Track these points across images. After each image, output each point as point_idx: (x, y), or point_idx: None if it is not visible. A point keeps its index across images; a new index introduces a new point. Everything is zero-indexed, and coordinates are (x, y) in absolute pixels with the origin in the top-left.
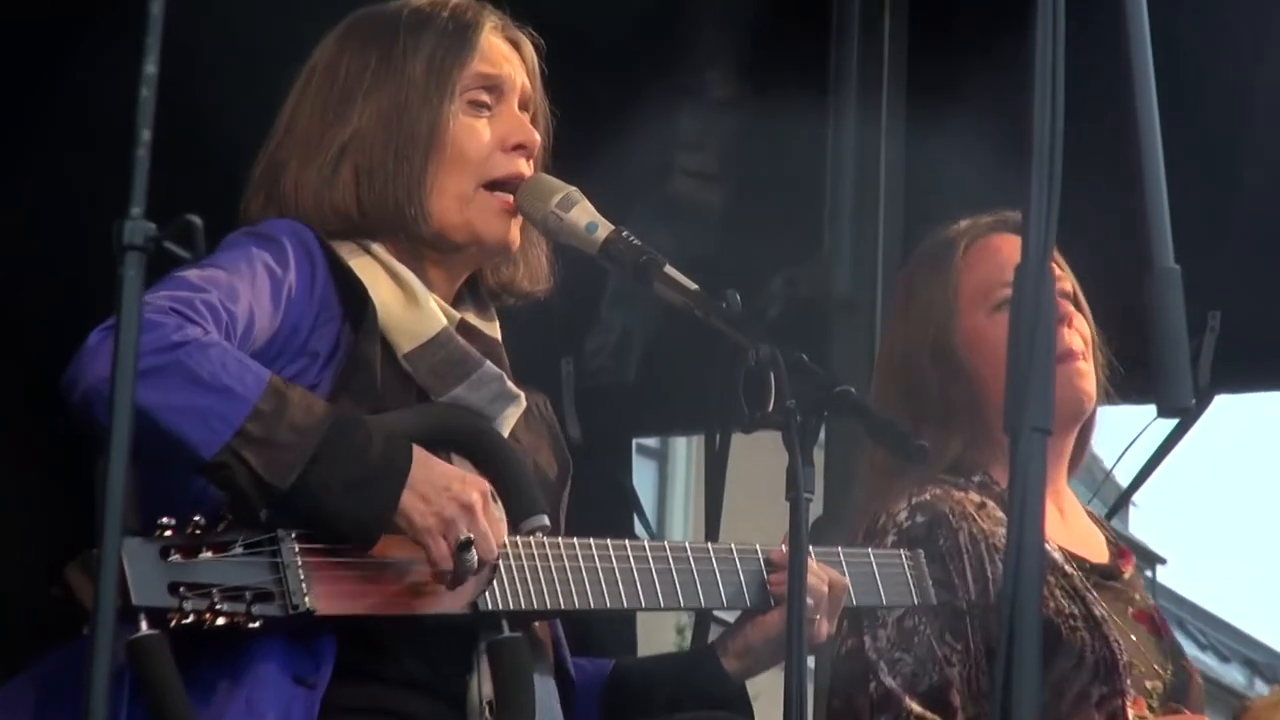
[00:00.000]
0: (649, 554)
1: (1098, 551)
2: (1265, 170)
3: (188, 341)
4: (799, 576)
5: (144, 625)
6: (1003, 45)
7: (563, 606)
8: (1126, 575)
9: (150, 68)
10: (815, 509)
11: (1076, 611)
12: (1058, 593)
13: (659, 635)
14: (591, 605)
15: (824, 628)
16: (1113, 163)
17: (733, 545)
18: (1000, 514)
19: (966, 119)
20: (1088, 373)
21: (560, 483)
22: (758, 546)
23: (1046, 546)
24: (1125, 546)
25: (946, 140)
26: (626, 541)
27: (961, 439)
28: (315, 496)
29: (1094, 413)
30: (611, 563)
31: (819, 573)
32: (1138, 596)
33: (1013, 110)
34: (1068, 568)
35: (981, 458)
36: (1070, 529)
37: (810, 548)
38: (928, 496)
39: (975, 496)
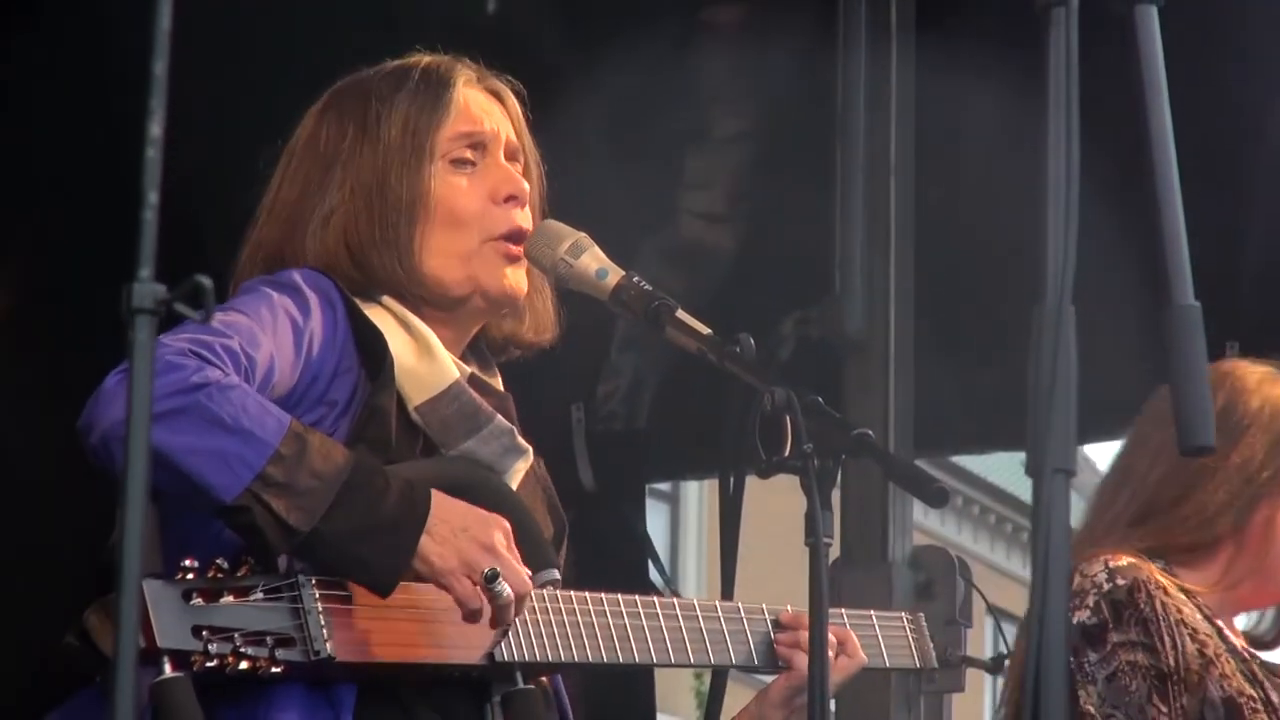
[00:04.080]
0: (659, 610)
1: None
2: (1277, 196)
3: (208, 383)
4: (820, 622)
5: (168, 668)
6: (1011, 80)
7: (576, 659)
8: None
9: (155, 129)
10: (832, 552)
11: (1257, 695)
12: (1238, 675)
13: (677, 698)
14: (605, 659)
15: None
16: (1126, 192)
17: (739, 604)
18: (1181, 595)
19: (980, 151)
20: None
21: (556, 543)
22: (764, 606)
23: (1226, 633)
24: None
25: (958, 171)
26: (638, 597)
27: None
28: (334, 542)
29: None
30: (624, 618)
31: (833, 642)
32: None
33: (1029, 142)
34: (1245, 654)
35: (1178, 556)
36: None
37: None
38: (1124, 562)
39: (1160, 577)
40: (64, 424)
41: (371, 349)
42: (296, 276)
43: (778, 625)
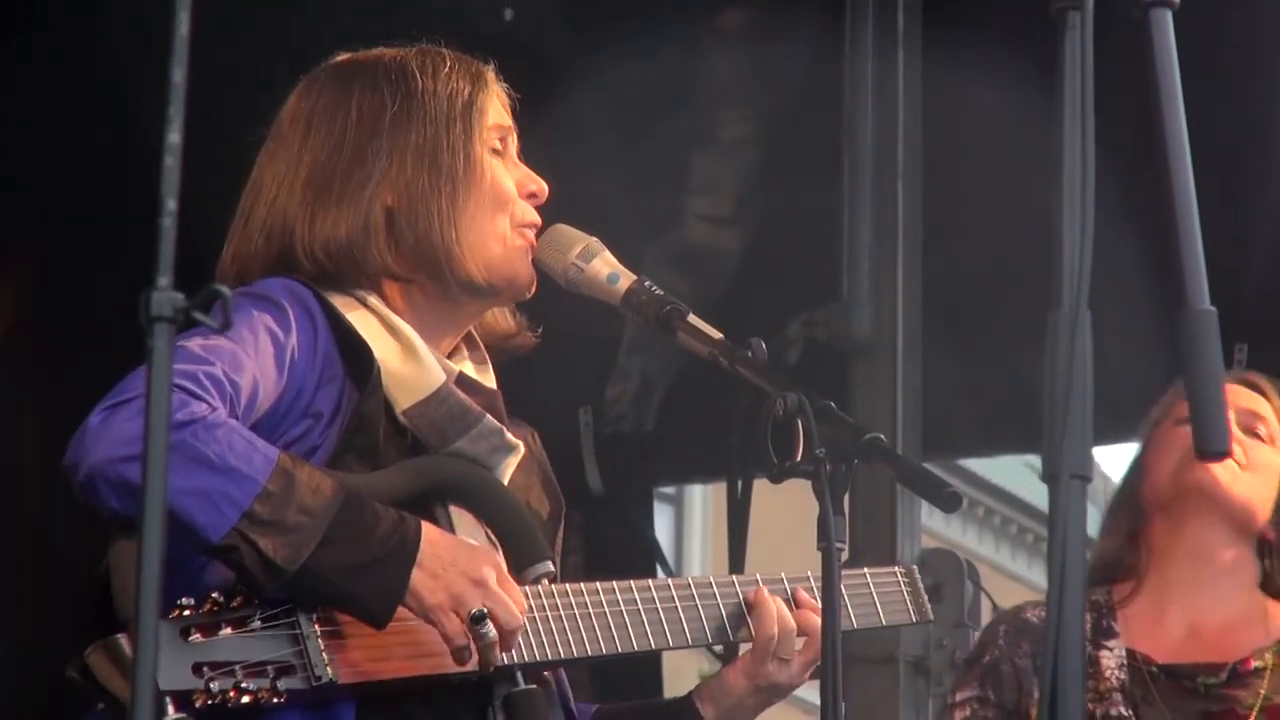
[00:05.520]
0: (654, 593)
1: (1204, 654)
2: None
3: (194, 420)
4: (832, 625)
5: (171, 710)
6: (1018, 81)
7: (575, 654)
8: (1228, 677)
9: (174, 137)
10: (842, 555)
11: (1097, 714)
12: (1099, 695)
13: (683, 680)
14: (604, 651)
15: (796, 669)
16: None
17: (734, 578)
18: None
19: (987, 154)
20: (1228, 466)
21: (554, 522)
22: (734, 579)
23: (1111, 649)
24: None
25: (966, 174)
26: (632, 582)
27: (1116, 540)
28: (324, 579)
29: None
30: (619, 605)
31: (794, 613)
32: (1244, 695)
33: (1038, 144)
34: (1114, 672)
35: (1134, 559)
36: (1179, 633)
37: (809, 573)
38: (995, 617)
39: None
40: (66, 438)
41: (356, 356)
42: (272, 288)
43: (748, 605)
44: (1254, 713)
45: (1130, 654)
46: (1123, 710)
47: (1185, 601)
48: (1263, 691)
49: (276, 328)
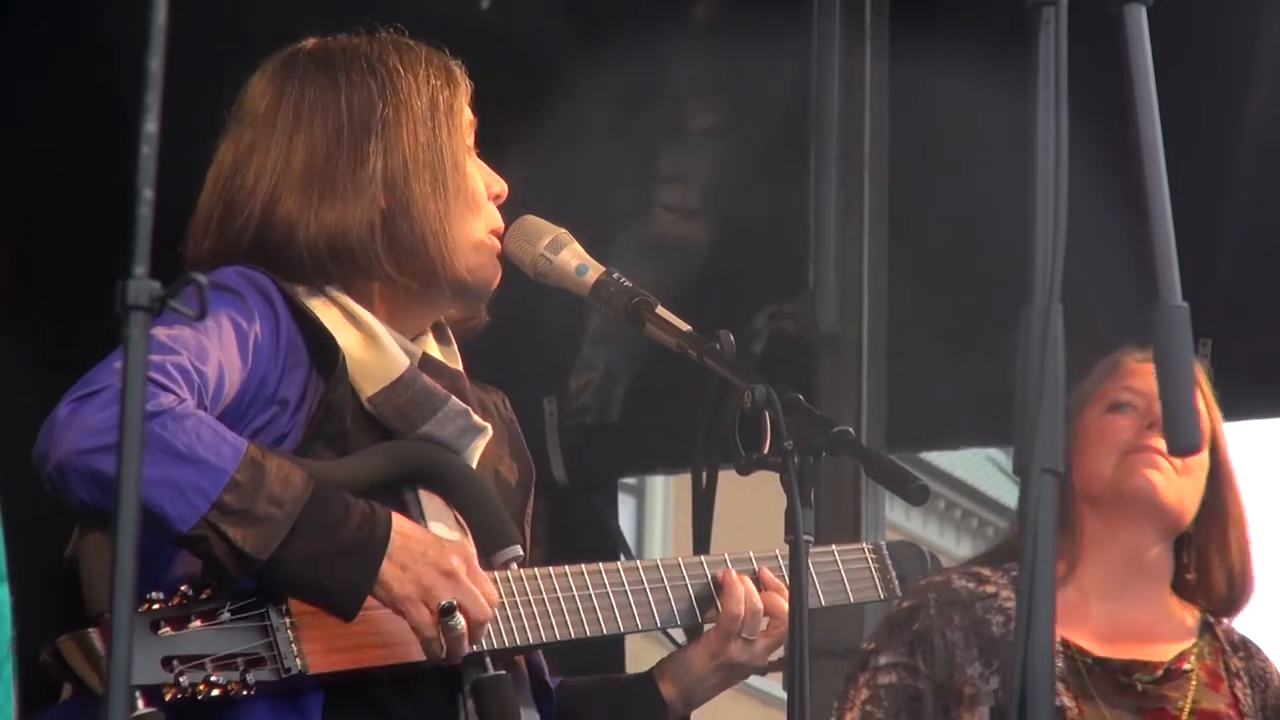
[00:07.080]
0: (623, 576)
1: (1134, 651)
2: (1253, 195)
3: (162, 411)
4: (800, 619)
5: (140, 704)
6: (987, 73)
7: (545, 639)
8: (1163, 675)
9: (150, 126)
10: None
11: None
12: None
13: (644, 658)
14: (572, 635)
15: (759, 650)
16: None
17: (703, 558)
18: (1010, 603)
19: (954, 147)
20: (1165, 470)
21: (523, 490)
22: (703, 559)
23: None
24: (1219, 656)
25: (932, 168)
26: (601, 565)
27: None
28: (293, 569)
29: (1195, 532)
30: (588, 589)
31: (760, 594)
32: (1175, 695)
33: (1002, 143)
34: (1083, 660)
35: (1060, 544)
36: (1103, 628)
37: (777, 552)
38: (924, 583)
39: (989, 588)
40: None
41: (320, 343)
42: (228, 277)
43: (716, 584)
44: (1185, 714)
45: (1065, 643)
46: (1065, 700)
47: (1108, 596)
48: (1191, 694)
49: (239, 317)
